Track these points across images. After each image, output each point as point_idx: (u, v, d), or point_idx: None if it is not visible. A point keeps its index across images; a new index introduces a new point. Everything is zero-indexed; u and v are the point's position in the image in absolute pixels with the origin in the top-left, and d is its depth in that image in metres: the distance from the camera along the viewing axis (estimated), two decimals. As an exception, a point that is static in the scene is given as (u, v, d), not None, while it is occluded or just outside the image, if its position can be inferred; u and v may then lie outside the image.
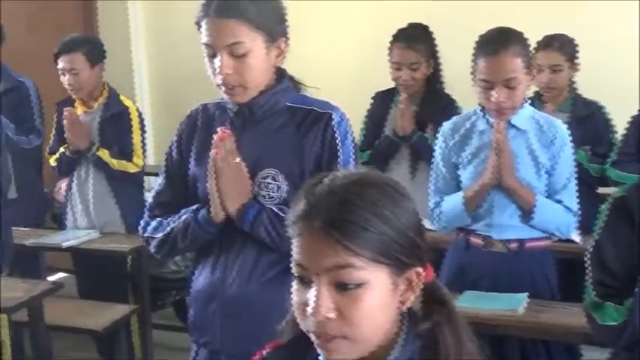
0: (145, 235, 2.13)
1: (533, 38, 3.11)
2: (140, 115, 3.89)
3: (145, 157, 3.89)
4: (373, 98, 3.90)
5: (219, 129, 1.96)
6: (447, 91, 3.81)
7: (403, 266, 1.18)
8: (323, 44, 5.08)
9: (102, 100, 3.84)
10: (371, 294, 1.15)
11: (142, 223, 2.16)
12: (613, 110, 3.70)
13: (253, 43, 1.92)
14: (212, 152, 1.93)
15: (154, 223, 2.12)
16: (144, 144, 3.88)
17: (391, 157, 3.75)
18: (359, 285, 1.15)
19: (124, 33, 5.81)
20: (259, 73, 1.97)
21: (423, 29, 3.75)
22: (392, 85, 3.80)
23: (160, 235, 2.09)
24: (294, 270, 1.19)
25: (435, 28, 3.78)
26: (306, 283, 1.17)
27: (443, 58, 3.78)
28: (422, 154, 3.63)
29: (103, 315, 3.61)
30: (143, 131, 3.88)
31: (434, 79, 3.76)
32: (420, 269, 1.21)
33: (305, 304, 1.17)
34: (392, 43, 3.72)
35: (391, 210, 1.17)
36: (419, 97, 3.72)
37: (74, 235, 3.79)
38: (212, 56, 1.94)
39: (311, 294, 1.15)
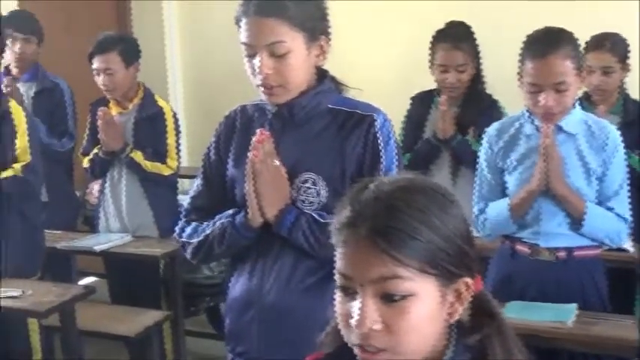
0: (181, 240, 2.12)
1: (583, 38, 3.06)
2: (175, 116, 3.89)
3: (179, 159, 3.89)
4: (412, 100, 3.85)
5: (257, 130, 1.94)
6: (488, 91, 3.75)
7: (452, 276, 1.16)
8: (362, 44, 5.05)
9: (137, 101, 3.85)
10: (418, 306, 1.13)
11: (177, 227, 2.15)
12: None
13: (294, 42, 1.90)
14: (250, 154, 1.92)
15: (190, 228, 2.10)
16: (178, 146, 3.88)
17: (431, 162, 3.69)
18: (405, 296, 1.12)
19: (158, 33, 5.84)
20: (300, 73, 1.95)
21: (466, 28, 3.67)
22: (432, 86, 3.75)
23: (196, 240, 2.08)
24: (337, 280, 1.16)
25: (478, 27, 3.72)
26: (350, 293, 1.15)
27: (488, 59, 3.73)
28: (463, 159, 3.58)
29: (135, 320, 3.62)
30: (178, 133, 3.88)
31: (476, 80, 3.70)
32: (468, 280, 1.18)
33: (349, 315, 1.14)
34: (435, 43, 3.64)
35: (439, 217, 1.14)
36: (460, 98, 3.66)
37: (106, 239, 3.80)
38: (251, 56, 1.93)
39: (355, 305, 1.13)
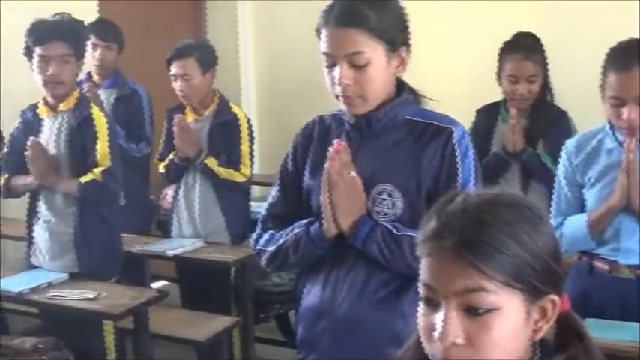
0: (257, 247, 2.15)
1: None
2: (249, 123, 3.94)
3: (252, 166, 3.94)
4: (477, 112, 3.81)
5: (334, 141, 1.95)
6: (557, 103, 3.70)
7: (537, 293, 1.14)
8: (430, 56, 5.03)
9: (212, 108, 3.91)
10: (502, 321, 1.12)
11: (254, 235, 2.17)
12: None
13: (374, 52, 1.91)
14: (327, 165, 1.92)
15: (265, 236, 2.12)
16: (252, 153, 3.93)
17: (500, 175, 3.65)
18: (490, 310, 1.11)
19: (232, 41, 5.92)
20: (380, 84, 1.95)
21: (535, 39, 3.64)
22: (498, 98, 3.72)
23: (271, 248, 2.10)
24: (421, 291, 1.16)
25: (552, 38, 3.68)
26: (433, 305, 1.14)
27: (563, 70, 3.67)
28: (534, 172, 3.54)
29: (205, 325, 3.67)
30: (252, 140, 3.93)
31: (544, 92, 3.65)
32: (555, 297, 1.16)
33: (431, 327, 1.14)
34: (504, 54, 3.60)
35: (527, 232, 1.13)
36: (528, 110, 3.61)
37: (179, 244, 3.86)
38: (331, 66, 1.94)
39: (439, 318, 1.13)
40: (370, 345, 1.96)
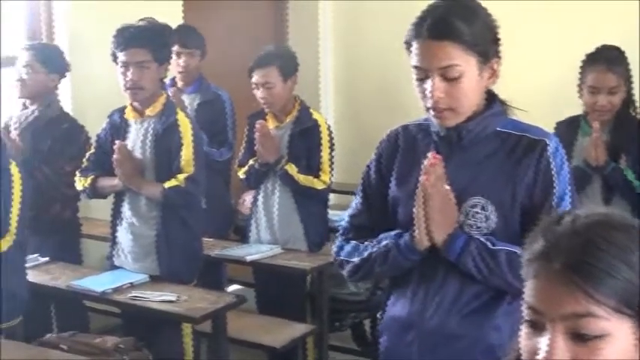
0: (339, 258, 2.13)
1: None
2: (330, 130, 3.95)
3: (332, 173, 3.94)
4: (557, 125, 3.73)
5: (429, 154, 1.92)
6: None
7: None
8: (517, 66, 4.96)
9: (293, 115, 3.93)
10: (611, 348, 1.08)
11: (335, 245, 2.16)
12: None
13: (467, 65, 1.88)
14: (422, 178, 1.90)
15: (349, 247, 2.11)
16: (332, 160, 3.93)
17: (582, 190, 3.55)
18: (598, 337, 1.08)
19: (312, 45, 5.94)
20: (472, 97, 1.93)
21: (619, 51, 3.58)
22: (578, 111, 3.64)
23: (356, 259, 2.08)
24: (525, 313, 1.13)
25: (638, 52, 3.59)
26: (538, 328, 1.11)
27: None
28: (616, 187, 3.46)
29: (281, 332, 3.68)
30: (332, 147, 3.93)
31: (627, 105, 3.57)
32: None
33: (535, 351, 1.11)
34: (586, 66, 3.55)
35: (639, 255, 1.09)
36: (610, 124, 3.54)
37: (257, 250, 3.88)
38: (422, 79, 1.92)
39: (544, 341, 1.10)
40: (462, 358, 1.94)
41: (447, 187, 1.91)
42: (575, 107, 3.67)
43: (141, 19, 3.33)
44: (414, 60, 1.92)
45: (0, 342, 2.86)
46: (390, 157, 2.09)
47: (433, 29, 1.87)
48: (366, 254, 2.05)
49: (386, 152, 2.11)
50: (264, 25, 5.93)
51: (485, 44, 1.91)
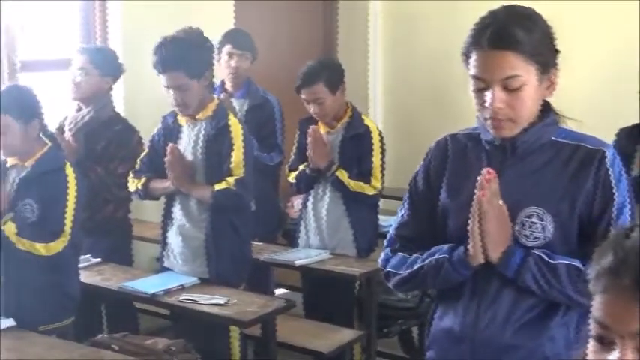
0: (387, 269, 2.10)
1: None
2: (381, 136, 3.94)
3: (383, 179, 3.93)
4: (617, 135, 3.66)
5: (484, 169, 1.90)
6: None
7: None
8: (572, 74, 4.91)
9: (345, 121, 3.93)
10: None
11: (382, 256, 2.13)
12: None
13: (528, 75, 1.86)
14: (477, 194, 1.88)
15: (396, 258, 2.08)
16: (383, 167, 3.92)
17: (641, 201, 3.50)
18: None
19: (362, 50, 5.94)
20: (531, 107, 1.91)
21: None
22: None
23: (404, 272, 2.05)
24: (593, 328, 1.11)
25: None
26: (606, 344, 1.09)
27: None
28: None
29: (329, 337, 3.67)
30: (383, 154, 3.92)
31: None
32: None
33: None
34: None
35: None
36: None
37: (306, 254, 3.89)
38: (481, 89, 1.89)
39: (613, 358, 1.08)
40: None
41: (502, 203, 1.89)
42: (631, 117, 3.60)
43: (179, 31, 3.31)
44: (473, 70, 1.89)
45: (53, 341, 2.91)
46: (440, 167, 2.06)
47: (494, 39, 1.84)
48: (415, 267, 2.02)
49: (435, 161, 2.08)
50: (314, 26, 5.94)
51: (545, 54, 1.89)
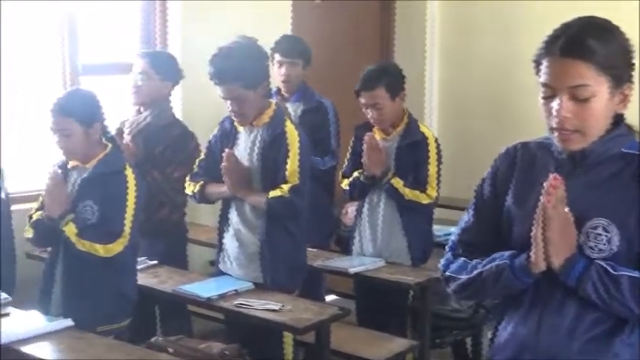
0: (446, 274, 2.09)
1: None
2: (438, 145, 3.92)
3: (439, 188, 3.90)
4: None
5: (550, 175, 1.87)
6: None
7: None
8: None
9: (401, 128, 3.91)
10: None
11: (442, 260, 2.13)
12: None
13: (599, 87, 1.83)
14: (542, 199, 1.86)
15: (457, 263, 2.07)
16: (439, 175, 3.90)
17: None
18: None
19: (419, 61, 5.92)
20: (600, 120, 1.88)
21: None
22: None
23: (464, 277, 2.04)
24: None
25: None
26: None
27: None
28: None
29: (382, 346, 3.66)
30: (439, 162, 3.90)
31: None
32: None
33: None
34: None
35: None
36: None
37: (360, 262, 3.89)
38: (549, 97, 1.87)
39: None
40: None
41: (567, 210, 1.86)
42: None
43: (234, 41, 3.33)
44: (542, 77, 1.88)
45: (110, 342, 2.95)
46: (507, 174, 2.05)
47: (566, 47, 1.82)
48: (475, 273, 2.01)
49: (502, 168, 2.07)
50: (371, 28, 5.94)
51: (620, 67, 1.86)
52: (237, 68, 3.26)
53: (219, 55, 3.29)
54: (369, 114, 3.86)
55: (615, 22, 1.90)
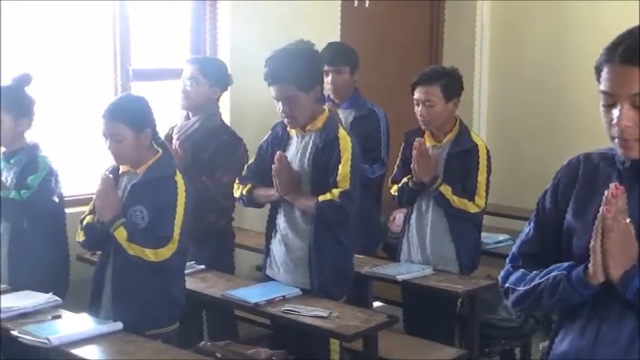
0: (506, 285, 2.09)
1: None
2: (488, 154, 3.89)
3: (487, 197, 3.87)
4: None
5: (611, 184, 1.85)
6: None
7: None
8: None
9: (452, 135, 3.90)
10: None
11: (502, 272, 2.12)
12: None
13: None
14: (602, 209, 1.83)
15: (516, 275, 2.05)
16: (488, 185, 3.87)
17: None
18: None
19: (468, 68, 5.89)
20: None
21: None
22: None
23: (523, 288, 2.02)
24: None
25: None
26: None
27: None
28: None
29: (430, 355, 3.66)
30: (489, 171, 3.87)
31: None
32: None
33: None
34: None
35: None
36: None
37: (408, 269, 3.87)
38: (609, 106, 1.84)
39: None
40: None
41: (628, 221, 1.83)
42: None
43: (291, 43, 3.35)
44: (602, 85, 1.85)
45: (159, 346, 2.98)
46: (568, 186, 2.02)
47: (627, 54, 1.79)
48: (533, 284, 1.99)
49: (564, 180, 2.04)
50: (420, 30, 5.92)
51: None
52: (291, 68, 3.28)
53: (275, 56, 3.32)
54: (419, 111, 3.84)
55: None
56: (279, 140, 3.52)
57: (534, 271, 2.01)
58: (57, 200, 3.67)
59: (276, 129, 3.56)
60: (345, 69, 4.41)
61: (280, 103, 3.34)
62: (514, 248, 2.13)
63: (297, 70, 3.28)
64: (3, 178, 3.60)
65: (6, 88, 3.59)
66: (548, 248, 2.03)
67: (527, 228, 2.11)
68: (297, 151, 3.46)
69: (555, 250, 2.01)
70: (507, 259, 2.13)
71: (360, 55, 4.51)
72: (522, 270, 2.05)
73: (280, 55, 3.31)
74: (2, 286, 3.46)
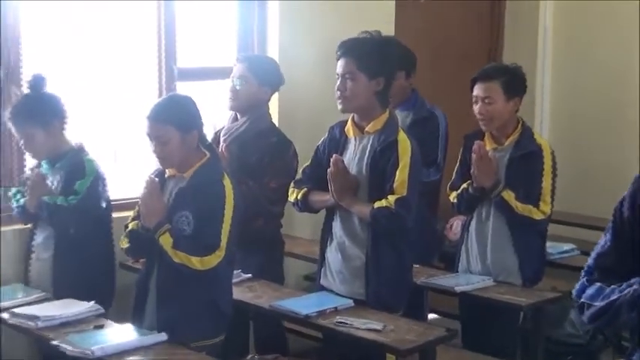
0: (581, 300, 2.03)
1: None
2: (554, 157, 3.78)
3: (553, 203, 3.76)
4: None
5: None
6: None
7: None
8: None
9: (514, 137, 3.79)
10: None
11: (577, 285, 2.05)
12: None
13: None
14: None
15: (592, 289, 2.00)
16: (553, 190, 3.75)
17: None
18: None
19: (529, 68, 5.79)
20: None
21: None
22: None
23: (600, 303, 1.96)
24: None
25: None
26: None
27: None
28: None
29: (491, 371, 3.56)
30: (554, 176, 3.76)
31: None
32: None
33: None
34: None
35: None
36: None
37: (467, 280, 3.78)
38: None
39: None
40: None
41: None
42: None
43: (364, 32, 3.35)
44: None
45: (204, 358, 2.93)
46: None
47: None
48: (611, 299, 1.93)
49: None
50: (478, 30, 5.85)
51: None
52: (364, 49, 3.29)
53: (354, 38, 3.34)
54: (477, 109, 3.75)
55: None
56: (336, 142, 3.46)
57: (612, 286, 1.95)
58: (104, 205, 3.66)
59: (334, 131, 3.49)
60: (401, 74, 4.28)
61: (339, 80, 3.31)
62: (589, 260, 2.09)
63: (367, 54, 3.28)
64: (49, 183, 3.60)
65: (22, 102, 3.59)
66: (627, 260, 1.98)
67: (603, 239, 2.06)
68: (354, 154, 3.39)
69: (634, 262, 1.95)
70: (582, 272, 2.09)
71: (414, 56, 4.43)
72: (599, 284, 2.00)
73: (359, 37, 3.34)
74: (43, 294, 3.45)
